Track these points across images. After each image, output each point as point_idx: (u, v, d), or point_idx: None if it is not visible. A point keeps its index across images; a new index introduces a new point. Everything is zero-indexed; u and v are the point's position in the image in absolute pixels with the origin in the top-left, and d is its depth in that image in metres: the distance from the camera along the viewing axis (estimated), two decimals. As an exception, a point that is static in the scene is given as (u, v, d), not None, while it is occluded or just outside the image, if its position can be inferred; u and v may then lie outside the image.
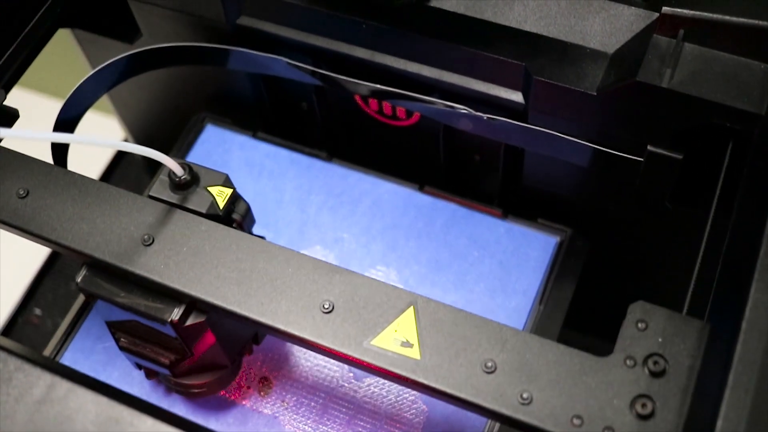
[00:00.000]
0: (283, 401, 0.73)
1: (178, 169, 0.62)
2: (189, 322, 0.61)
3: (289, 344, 0.75)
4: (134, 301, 0.61)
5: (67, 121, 0.74)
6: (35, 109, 0.96)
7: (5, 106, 0.71)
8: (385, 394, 0.72)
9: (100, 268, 0.61)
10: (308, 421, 0.72)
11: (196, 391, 0.69)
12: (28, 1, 0.74)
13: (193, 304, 0.60)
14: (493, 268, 0.78)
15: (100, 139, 0.55)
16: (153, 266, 0.59)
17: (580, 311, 0.80)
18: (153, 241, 0.60)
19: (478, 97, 0.73)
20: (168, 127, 0.98)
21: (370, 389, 0.73)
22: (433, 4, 0.72)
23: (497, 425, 0.70)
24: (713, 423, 0.47)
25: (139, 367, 0.70)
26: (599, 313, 0.82)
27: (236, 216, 0.65)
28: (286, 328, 0.56)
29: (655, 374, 0.52)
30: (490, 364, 0.53)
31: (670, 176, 0.69)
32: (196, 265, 0.59)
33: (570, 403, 0.52)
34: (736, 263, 0.56)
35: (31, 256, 0.78)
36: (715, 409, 0.48)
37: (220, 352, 0.66)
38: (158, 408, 0.56)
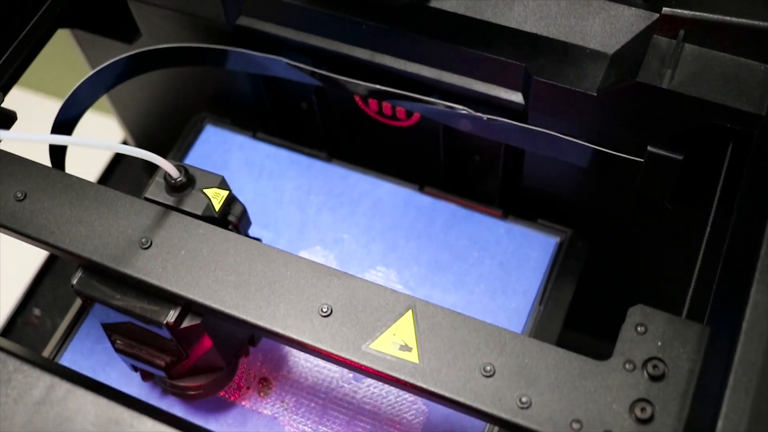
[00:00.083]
0: (282, 402, 0.73)
1: (173, 171, 0.62)
2: (185, 324, 0.61)
3: (288, 345, 0.75)
4: (130, 303, 0.61)
5: (65, 122, 0.74)
6: (35, 109, 0.96)
7: (2, 108, 0.71)
8: (385, 394, 0.72)
9: (96, 270, 0.61)
10: (308, 422, 0.72)
11: (192, 393, 0.69)
12: (28, 1, 0.74)
13: (189, 307, 0.60)
14: (494, 268, 0.78)
15: (95, 141, 0.55)
16: (151, 269, 0.59)
17: (580, 312, 0.80)
18: (151, 244, 0.60)
19: (478, 98, 0.73)
20: (168, 127, 0.98)
21: (370, 390, 0.73)
22: (433, 4, 0.71)
23: (496, 428, 0.70)
24: (713, 426, 0.47)
25: (135, 369, 0.69)
26: (599, 314, 0.81)
27: (232, 218, 0.65)
28: (285, 331, 0.56)
29: (655, 378, 0.52)
30: (488, 368, 0.53)
31: (670, 177, 0.69)
32: (194, 269, 0.59)
33: (569, 407, 0.51)
34: (736, 264, 0.56)
35: (31, 256, 0.78)
36: (715, 411, 0.48)
37: (216, 354, 0.66)
38: (158, 409, 0.56)
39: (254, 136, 0.87)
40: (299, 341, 0.56)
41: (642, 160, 0.69)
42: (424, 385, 0.53)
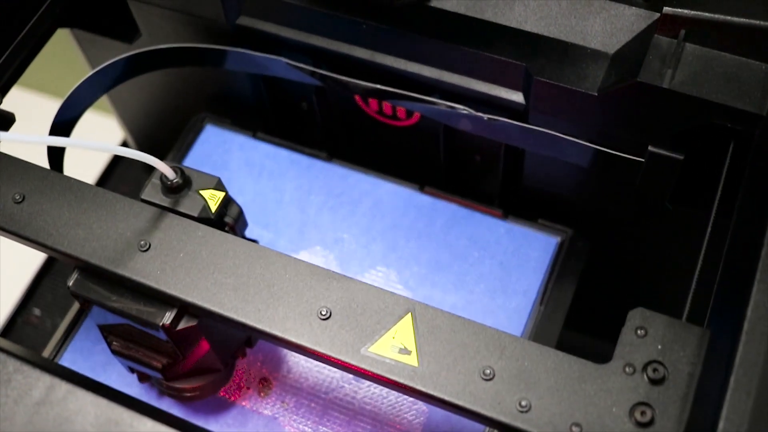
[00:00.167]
0: (283, 402, 0.73)
1: (169, 173, 0.62)
2: (181, 326, 0.61)
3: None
4: (126, 305, 0.61)
5: (63, 123, 0.74)
6: (35, 109, 0.96)
7: (1, 110, 0.70)
8: (385, 395, 0.72)
9: (92, 272, 0.61)
10: (308, 422, 0.72)
11: (189, 394, 0.69)
12: (27, 1, 0.74)
13: (185, 308, 0.60)
14: (494, 268, 0.78)
15: (91, 143, 0.55)
16: (150, 272, 0.59)
17: (580, 312, 0.79)
18: (149, 246, 0.60)
19: (479, 98, 0.73)
20: (168, 127, 0.98)
21: (370, 390, 0.73)
22: (433, 4, 0.71)
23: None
24: (714, 428, 0.47)
25: (132, 370, 0.69)
26: (600, 314, 0.81)
27: (228, 219, 0.65)
28: (283, 334, 0.56)
29: (655, 381, 0.52)
30: (488, 372, 0.53)
31: (670, 177, 0.69)
32: (193, 271, 0.59)
33: (569, 411, 0.51)
34: (737, 265, 0.56)
35: (31, 256, 0.78)
36: (716, 414, 0.47)
37: (213, 355, 0.66)
38: (157, 409, 0.56)
39: (254, 136, 0.87)
40: (298, 344, 0.56)
41: (642, 160, 0.69)
42: (424, 389, 0.53)
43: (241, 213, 0.66)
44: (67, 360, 0.75)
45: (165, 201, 0.63)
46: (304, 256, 0.80)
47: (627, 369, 0.52)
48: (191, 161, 0.85)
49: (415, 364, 0.54)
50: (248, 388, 0.73)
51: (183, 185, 0.63)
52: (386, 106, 0.81)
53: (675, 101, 0.63)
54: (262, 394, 0.73)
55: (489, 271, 0.78)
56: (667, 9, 0.63)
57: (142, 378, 0.71)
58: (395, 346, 0.55)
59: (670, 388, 0.51)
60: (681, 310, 0.59)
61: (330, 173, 0.84)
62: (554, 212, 0.81)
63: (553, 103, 0.69)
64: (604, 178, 0.76)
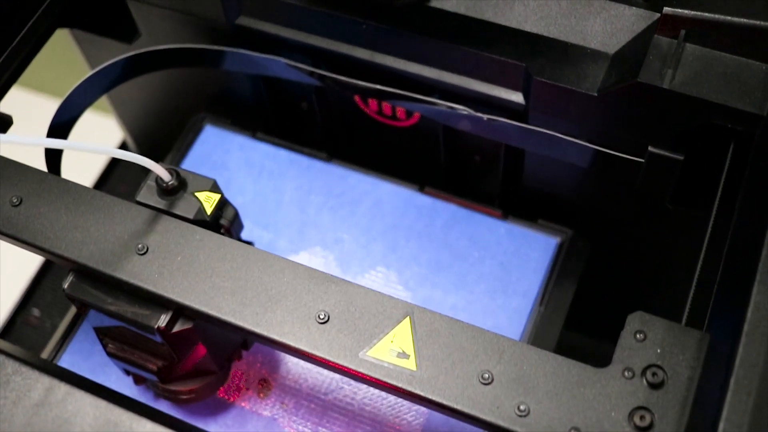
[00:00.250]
0: (282, 403, 0.72)
1: (165, 175, 0.62)
2: (176, 328, 0.60)
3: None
4: (121, 307, 0.60)
5: (61, 125, 0.74)
6: (34, 109, 0.95)
7: (-1, 112, 0.71)
8: (384, 396, 0.72)
9: (87, 275, 0.61)
10: (308, 423, 0.71)
11: (184, 397, 0.69)
12: (27, 0, 0.74)
13: (180, 311, 0.60)
14: (494, 269, 0.78)
15: (88, 145, 0.55)
16: (148, 276, 0.59)
17: (580, 312, 0.79)
18: (147, 250, 0.60)
19: (479, 98, 0.73)
20: (167, 127, 0.98)
21: (370, 391, 0.72)
22: (433, 4, 0.71)
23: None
24: (714, 430, 0.47)
25: (128, 373, 0.69)
26: (600, 315, 0.81)
27: (224, 222, 0.65)
28: (281, 338, 0.56)
29: (654, 386, 0.51)
30: (486, 376, 0.53)
31: (671, 177, 0.69)
32: (191, 275, 0.59)
33: (568, 415, 0.51)
34: (737, 266, 0.56)
35: (30, 256, 0.78)
36: (716, 417, 0.47)
37: (208, 358, 0.65)
38: (156, 411, 0.56)
39: (254, 136, 0.87)
40: (296, 348, 0.55)
41: (643, 161, 0.69)
42: (422, 393, 0.53)
43: (236, 215, 0.66)
44: (66, 361, 0.75)
45: (160, 203, 0.63)
46: (303, 256, 0.80)
47: (626, 373, 0.52)
48: (191, 161, 0.85)
49: (414, 368, 0.54)
50: (248, 389, 0.73)
51: (178, 187, 0.63)
52: (386, 106, 0.81)
53: (675, 101, 0.62)
54: (261, 395, 0.73)
55: (489, 271, 0.78)
56: (667, 9, 0.63)
57: (138, 380, 0.71)
58: (393, 350, 0.55)
59: (670, 392, 0.51)
60: (681, 310, 0.59)
61: (330, 173, 0.84)
62: (554, 212, 0.81)
63: (553, 103, 0.69)
64: (604, 179, 0.76)
